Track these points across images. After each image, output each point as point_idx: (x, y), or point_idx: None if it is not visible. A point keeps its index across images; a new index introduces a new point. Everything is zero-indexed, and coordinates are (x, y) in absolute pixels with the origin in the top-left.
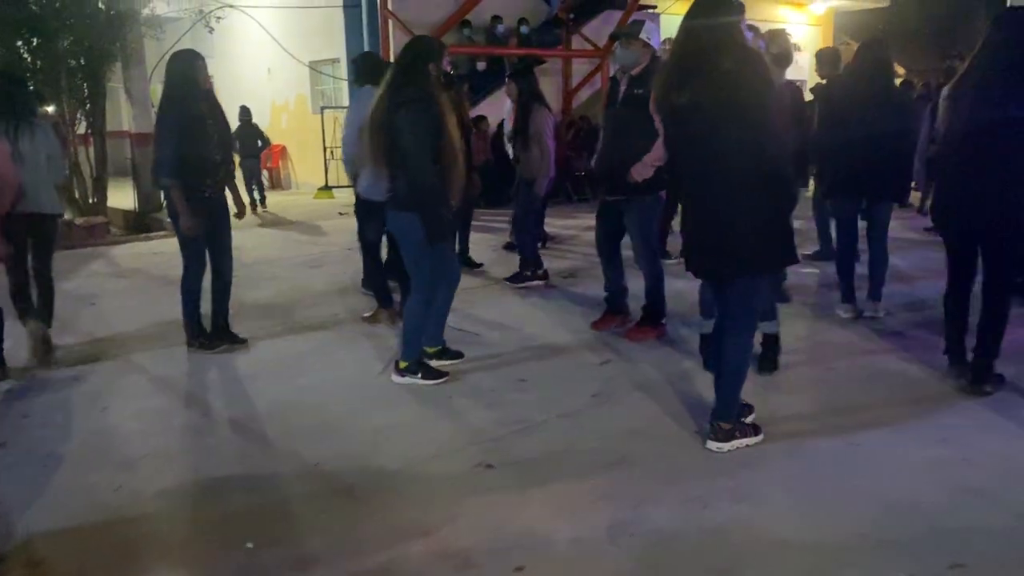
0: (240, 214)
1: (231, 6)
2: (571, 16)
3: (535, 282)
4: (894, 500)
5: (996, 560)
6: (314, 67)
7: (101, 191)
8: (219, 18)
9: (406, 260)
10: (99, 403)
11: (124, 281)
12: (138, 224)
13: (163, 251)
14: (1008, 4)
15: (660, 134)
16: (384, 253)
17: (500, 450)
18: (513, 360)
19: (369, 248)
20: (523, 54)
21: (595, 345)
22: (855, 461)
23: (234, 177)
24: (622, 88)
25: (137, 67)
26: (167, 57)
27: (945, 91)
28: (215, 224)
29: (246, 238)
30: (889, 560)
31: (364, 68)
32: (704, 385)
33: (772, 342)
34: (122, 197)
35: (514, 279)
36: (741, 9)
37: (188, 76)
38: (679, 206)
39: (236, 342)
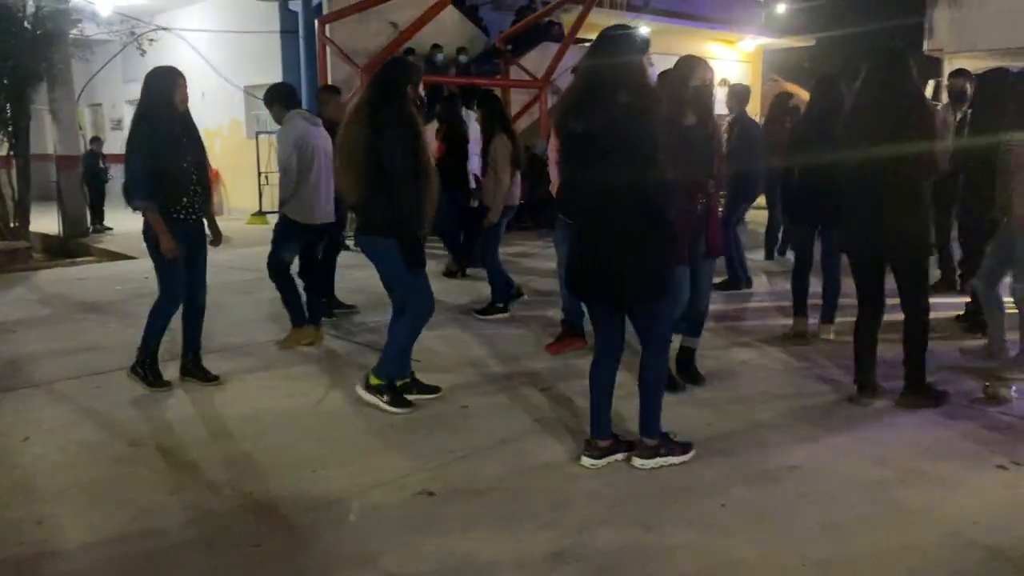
0: (216, 240)
1: (164, 28)
2: (509, 47)
3: (500, 315)
4: (834, 520)
5: None
6: (250, 92)
7: (23, 215)
8: (151, 40)
9: (388, 285)
10: (20, 433)
11: (47, 308)
12: (62, 249)
13: (88, 277)
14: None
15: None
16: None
17: (442, 478)
18: (455, 386)
19: (283, 268)
20: (462, 83)
21: (538, 371)
22: (796, 482)
23: (211, 202)
24: None
25: (64, 89)
26: (96, 79)
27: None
28: (192, 249)
29: None
30: None
31: (288, 95)
32: None
33: (690, 355)
34: (46, 222)
35: (484, 311)
36: (645, 46)
37: (165, 94)
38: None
39: (208, 379)
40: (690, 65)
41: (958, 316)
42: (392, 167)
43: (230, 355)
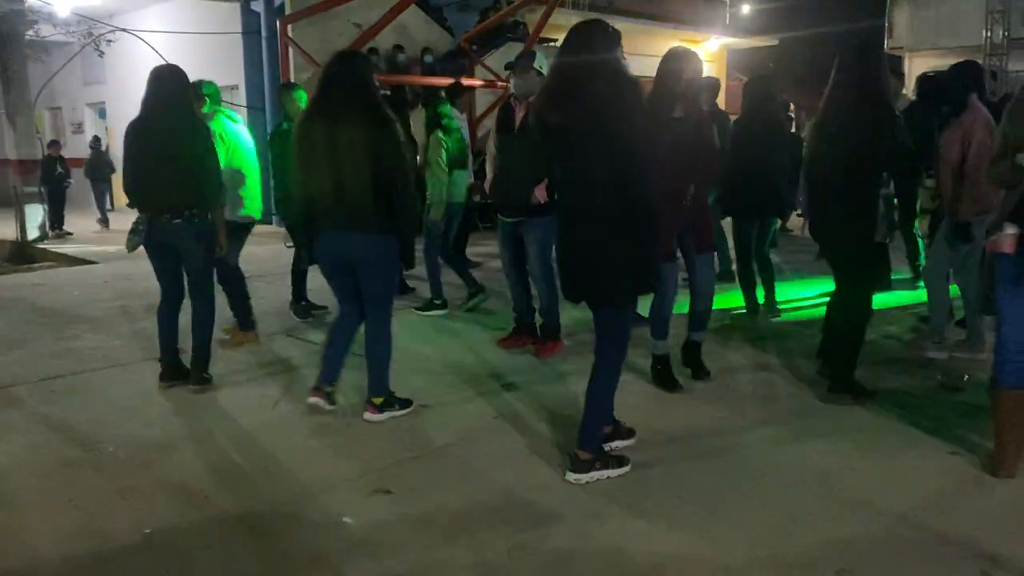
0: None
1: (123, 30)
2: (474, 47)
3: (438, 311)
4: (787, 511)
5: (877, 564)
6: None
7: None
8: (109, 41)
9: (374, 287)
10: None
11: (2, 314)
12: (20, 255)
13: (46, 282)
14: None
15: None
16: None
17: (398, 476)
18: (414, 385)
19: (234, 271)
20: (427, 83)
21: (497, 368)
22: (750, 475)
23: None
24: (518, 115)
25: (20, 91)
26: (54, 82)
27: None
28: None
29: (132, 266)
30: (781, 569)
31: (217, 92)
32: None
33: (694, 348)
34: (3, 227)
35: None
36: (618, 37)
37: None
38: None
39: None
40: (682, 57)
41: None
42: (396, 164)
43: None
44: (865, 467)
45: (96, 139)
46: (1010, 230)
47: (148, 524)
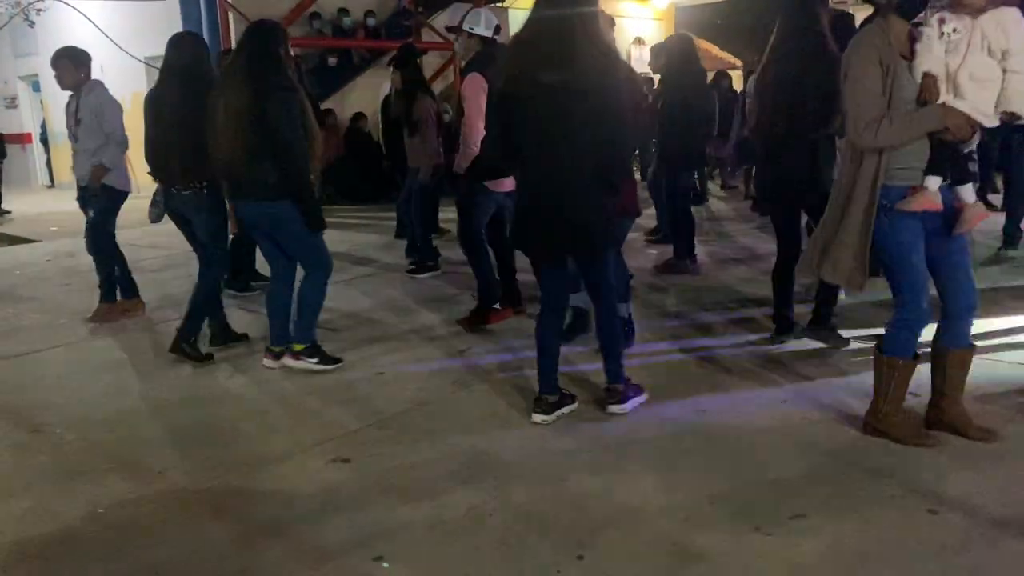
0: None
1: None
2: (419, 8)
3: (428, 273)
4: (741, 461)
5: (831, 508)
6: (150, 63)
7: None
8: (39, 11)
9: (292, 247)
10: None
11: None
12: None
13: None
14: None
15: (483, 123)
16: None
17: (356, 444)
18: (372, 352)
19: (113, 240)
20: (372, 47)
21: (459, 333)
22: (705, 428)
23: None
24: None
25: None
26: None
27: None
28: None
29: (76, 244)
30: (738, 517)
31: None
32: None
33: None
34: None
35: (416, 271)
36: None
37: None
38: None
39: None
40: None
41: None
42: (285, 133)
43: (146, 331)
44: (816, 417)
45: None
46: (934, 184)
47: (102, 503)
